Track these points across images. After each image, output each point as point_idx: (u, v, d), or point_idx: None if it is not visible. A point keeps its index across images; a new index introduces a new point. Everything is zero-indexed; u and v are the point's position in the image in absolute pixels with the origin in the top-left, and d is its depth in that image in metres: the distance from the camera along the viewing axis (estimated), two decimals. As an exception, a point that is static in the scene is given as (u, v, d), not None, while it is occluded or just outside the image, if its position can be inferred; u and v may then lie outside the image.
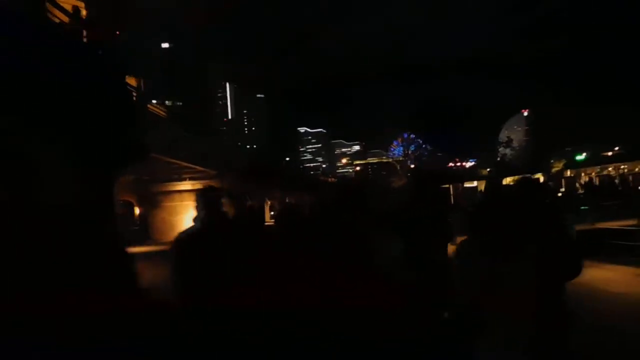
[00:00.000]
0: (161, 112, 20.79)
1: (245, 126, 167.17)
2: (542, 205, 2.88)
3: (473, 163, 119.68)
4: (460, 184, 60.68)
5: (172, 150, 18.17)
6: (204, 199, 3.21)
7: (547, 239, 2.48)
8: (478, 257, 2.44)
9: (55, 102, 4.63)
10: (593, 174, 66.36)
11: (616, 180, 54.22)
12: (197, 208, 3.21)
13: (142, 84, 21.04)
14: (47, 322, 2.67)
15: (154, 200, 23.11)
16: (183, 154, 18.57)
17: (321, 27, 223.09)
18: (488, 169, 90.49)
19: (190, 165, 20.88)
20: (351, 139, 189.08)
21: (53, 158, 4.59)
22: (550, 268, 2.40)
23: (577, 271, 2.54)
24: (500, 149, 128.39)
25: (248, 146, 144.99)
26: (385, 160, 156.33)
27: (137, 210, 25.59)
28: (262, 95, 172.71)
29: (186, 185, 23.58)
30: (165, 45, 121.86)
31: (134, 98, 8.07)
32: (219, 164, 22.72)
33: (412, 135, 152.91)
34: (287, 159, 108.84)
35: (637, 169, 64.42)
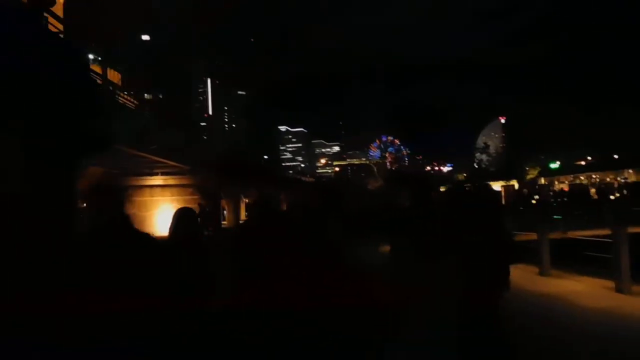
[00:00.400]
0: (132, 103, 20.27)
1: (226, 122, 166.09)
2: (474, 211, 2.94)
3: (450, 168, 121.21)
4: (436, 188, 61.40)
5: (144, 143, 17.68)
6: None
7: (475, 244, 2.55)
8: (408, 257, 2.53)
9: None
10: (566, 182, 67.85)
11: (590, 189, 55.51)
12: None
13: (120, 77, 20.60)
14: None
15: (123, 194, 22.65)
16: (155, 148, 18.06)
17: (305, 26, 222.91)
18: (464, 174, 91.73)
19: (163, 160, 20.38)
20: (331, 139, 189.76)
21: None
22: (476, 271, 2.45)
23: (503, 277, 2.62)
24: (477, 155, 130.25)
25: (230, 143, 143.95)
26: (364, 162, 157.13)
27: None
28: (244, 93, 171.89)
29: (157, 180, 23.09)
30: (145, 37, 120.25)
31: (96, 84, 7.69)
32: (192, 159, 22.24)
33: (391, 138, 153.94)
34: (265, 156, 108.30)
35: (607, 179, 66.00)
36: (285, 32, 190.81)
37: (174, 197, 23.12)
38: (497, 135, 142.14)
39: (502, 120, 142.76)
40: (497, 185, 57.37)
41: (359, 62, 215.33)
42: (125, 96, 17.89)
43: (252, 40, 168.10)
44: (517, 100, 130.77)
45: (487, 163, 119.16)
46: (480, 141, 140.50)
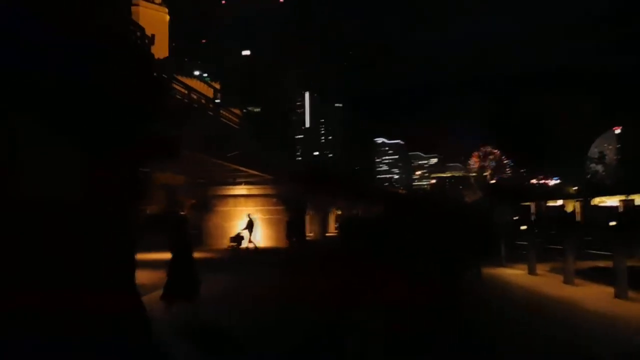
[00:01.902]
0: (228, 117, 21.09)
1: (322, 135, 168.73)
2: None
3: (557, 181, 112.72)
4: (543, 202, 57.17)
5: (231, 153, 18.26)
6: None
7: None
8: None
9: (57, 92, 4.52)
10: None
11: None
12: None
13: (217, 93, 21.60)
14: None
15: (208, 204, 23.52)
16: (238, 154, 18.56)
17: (402, 37, 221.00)
18: (574, 188, 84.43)
19: (245, 169, 20.93)
20: (429, 151, 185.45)
21: (59, 152, 4.58)
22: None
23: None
24: (592, 166, 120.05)
25: (330, 155, 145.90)
26: (462, 175, 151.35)
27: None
28: (341, 105, 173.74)
29: (241, 190, 23.79)
30: (245, 52, 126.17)
31: (160, 89, 7.92)
32: (278, 170, 22.58)
33: (490, 149, 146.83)
34: (357, 168, 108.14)
35: None
36: (383, 44, 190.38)
37: (257, 208, 23.70)
38: (611, 147, 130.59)
39: (617, 131, 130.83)
40: (614, 200, 51.95)
41: (460, 72, 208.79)
42: (220, 109, 18.74)
43: (350, 52, 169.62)
44: (634, 110, 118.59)
45: (603, 174, 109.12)
46: (593, 152, 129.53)
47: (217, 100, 20.23)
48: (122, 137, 5.13)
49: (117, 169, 5.18)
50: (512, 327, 6.92)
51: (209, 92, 21.74)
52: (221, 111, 18.50)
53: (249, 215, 21.60)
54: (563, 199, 60.57)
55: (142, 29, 7.55)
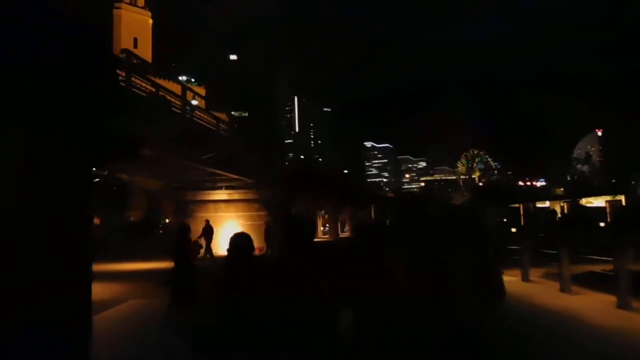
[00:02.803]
0: (210, 120, 20.12)
1: (311, 139, 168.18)
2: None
3: (543, 182, 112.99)
4: (531, 204, 56.96)
5: (206, 156, 17.34)
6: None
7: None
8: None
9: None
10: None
11: None
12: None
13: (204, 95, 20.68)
14: None
15: (186, 210, 22.44)
16: (213, 156, 17.57)
17: (391, 42, 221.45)
18: (561, 189, 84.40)
19: (223, 173, 19.91)
20: (418, 155, 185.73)
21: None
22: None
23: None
24: (578, 166, 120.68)
25: (319, 159, 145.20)
26: (450, 178, 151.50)
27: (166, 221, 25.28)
28: (329, 109, 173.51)
29: (222, 194, 22.81)
30: (233, 57, 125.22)
31: (114, 78, 7.17)
32: (260, 173, 21.53)
33: (479, 152, 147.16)
34: (346, 171, 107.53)
35: None
36: (373, 48, 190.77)
37: (239, 213, 22.71)
38: (593, 149, 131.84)
39: (599, 133, 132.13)
40: (600, 201, 51.78)
41: (447, 76, 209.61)
42: (195, 110, 17.75)
43: (340, 56, 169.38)
44: (615, 113, 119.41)
45: (588, 175, 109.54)
46: (577, 153, 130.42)
47: (194, 102, 19.26)
48: (67, 132, 4.27)
49: (63, 167, 4.34)
50: (507, 342, 6.14)
51: (189, 95, 20.76)
52: (196, 112, 17.53)
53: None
54: (550, 200, 60.47)
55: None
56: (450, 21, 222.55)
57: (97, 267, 11.73)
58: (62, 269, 3.81)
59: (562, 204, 54.17)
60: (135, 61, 20.80)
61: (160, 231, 29.68)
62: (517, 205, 55.49)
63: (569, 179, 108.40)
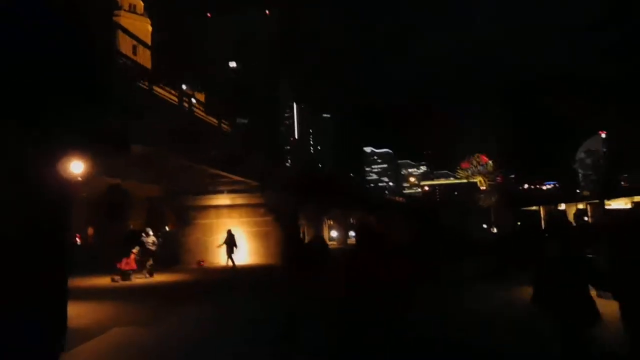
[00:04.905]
0: (211, 119, 18.55)
1: (311, 145, 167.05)
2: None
3: (551, 185, 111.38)
4: (553, 207, 55.03)
5: (207, 155, 15.69)
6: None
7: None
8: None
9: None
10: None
11: None
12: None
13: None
14: None
15: (186, 217, 20.81)
16: (215, 154, 15.92)
17: (390, 47, 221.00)
18: (586, 192, 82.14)
19: (228, 175, 18.27)
20: (418, 159, 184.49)
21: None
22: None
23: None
24: (582, 169, 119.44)
25: (319, 165, 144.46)
26: (457, 181, 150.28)
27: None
28: (329, 115, 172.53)
29: (224, 199, 21.16)
30: (232, 64, 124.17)
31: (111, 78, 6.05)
32: (264, 176, 19.90)
33: (481, 156, 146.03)
34: (351, 174, 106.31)
35: None
36: (373, 52, 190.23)
37: (242, 219, 21.05)
38: (597, 151, 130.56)
39: (603, 135, 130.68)
40: (620, 203, 50.02)
41: (448, 81, 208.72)
42: (194, 106, 16.12)
43: (338, 62, 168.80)
44: (619, 115, 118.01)
45: (594, 178, 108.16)
46: (582, 155, 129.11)
47: (193, 100, 17.65)
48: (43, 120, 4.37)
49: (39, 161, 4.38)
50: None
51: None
52: (196, 106, 15.87)
53: (228, 230, 19.19)
54: (571, 202, 57.84)
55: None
56: (451, 22, 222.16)
57: (83, 282, 9.82)
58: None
59: (580, 206, 52.25)
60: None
61: (149, 241, 28.61)
62: (534, 208, 53.81)
63: (581, 180, 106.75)
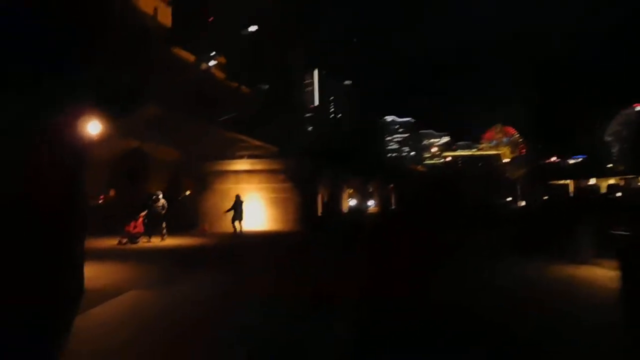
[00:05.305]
0: (230, 84, 18.17)
1: (332, 112, 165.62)
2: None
3: (579, 159, 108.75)
4: (583, 181, 53.35)
5: (225, 117, 15.38)
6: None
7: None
8: None
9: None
10: None
11: None
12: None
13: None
14: None
15: (205, 182, 20.71)
16: (231, 116, 15.63)
17: (415, 13, 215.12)
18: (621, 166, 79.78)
19: (247, 139, 17.95)
20: (440, 129, 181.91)
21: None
22: None
23: None
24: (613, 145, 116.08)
25: (340, 131, 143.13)
26: (480, 153, 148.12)
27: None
28: (350, 82, 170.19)
29: (243, 164, 20.95)
30: (252, 28, 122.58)
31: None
32: (283, 141, 19.56)
33: (506, 127, 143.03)
34: (372, 142, 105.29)
35: None
36: (395, 18, 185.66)
37: (261, 185, 20.90)
38: (630, 125, 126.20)
39: (638, 108, 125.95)
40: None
41: (475, 50, 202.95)
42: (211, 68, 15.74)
43: (361, 28, 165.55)
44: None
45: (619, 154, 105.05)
46: (614, 128, 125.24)
47: (212, 62, 17.23)
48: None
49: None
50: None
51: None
52: (213, 70, 15.44)
53: (237, 195, 19.28)
54: (602, 177, 55.66)
55: None
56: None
57: (101, 243, 9.83)
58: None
59: (612, 181, 50.55)
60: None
61: (159, 205, 28.70)
62: (563, 182, 52.21)
63: (614, 154, 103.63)
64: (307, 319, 6.03)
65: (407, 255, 4.04)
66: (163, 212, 16.42)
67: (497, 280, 9.15)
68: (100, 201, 29.54)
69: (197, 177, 21.32)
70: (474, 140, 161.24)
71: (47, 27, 4.03)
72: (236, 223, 19.24)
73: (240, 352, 5.03)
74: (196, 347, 5.23)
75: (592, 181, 50.28)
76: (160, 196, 16.69)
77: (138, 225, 15.72)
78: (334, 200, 26.01)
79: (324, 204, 18.97)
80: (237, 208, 19.06)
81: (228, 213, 19.26)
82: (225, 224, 19.78)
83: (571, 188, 49.47)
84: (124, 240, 15.39)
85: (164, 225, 16.35)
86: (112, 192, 31.51)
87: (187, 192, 32.29)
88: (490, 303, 7.08)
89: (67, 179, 5.68)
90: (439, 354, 4.32)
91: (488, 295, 7.59)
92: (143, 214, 15.93)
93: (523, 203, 57.65)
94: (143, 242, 15.93)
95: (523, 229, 15.32)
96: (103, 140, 12.31)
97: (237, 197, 19.14)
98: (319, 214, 21.82)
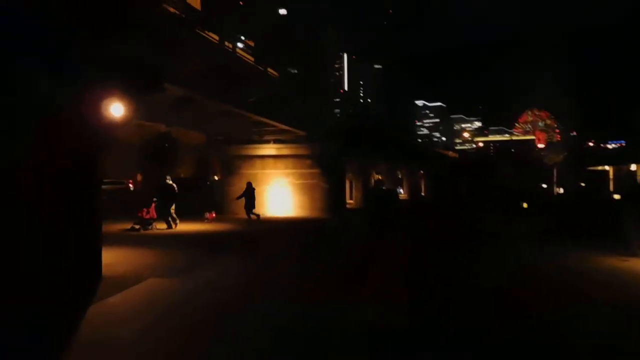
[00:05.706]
0: (257, 66, 17.75)
1: (361, 97, 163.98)
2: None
3: (617, 145, 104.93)
4: (625, 167, 50.97)
5: (252, 99, 14.95)
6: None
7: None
8: None
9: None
10: None
11: None
12: None
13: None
14: None
15: (232, 166, 20.34)
16: (255, 100, 15.17)
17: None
18: None
19: (273, 123, 17.54)
20: (472, 114, 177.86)
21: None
22: None
23: None
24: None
25: (369, 116, 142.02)
26: (513, 138, 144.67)
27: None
28: (380, 67, 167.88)
29: (270, 149, 20.61)
30: (282, 11, 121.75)
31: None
32: (311, 125, 19.10)
33: (540, 112, 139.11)
34: (401, 127, 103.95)
35: None
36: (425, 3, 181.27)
37: (288, 170, 20.52)
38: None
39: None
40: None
41: (508, 33, 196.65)
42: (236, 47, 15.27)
43: (390, 12, 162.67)
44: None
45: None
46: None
47: (239, 44, 16.83)
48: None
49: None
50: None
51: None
52: (240, 52, 15.03)
53: (248, 183, 18.57)
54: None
55: None
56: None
57: (123, 226, 9.47)
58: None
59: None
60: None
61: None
62: (602, 168, 50.26)
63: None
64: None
65: (450, 245, 4.21)
66: (169, 197, 15.77)
67: (543, 270, 8.92)
68: (130, 186, 29.77)
69: (223, 161, 21.09)
70: (507, 125, 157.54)
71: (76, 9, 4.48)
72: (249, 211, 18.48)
73: (261, 341, 4.82)
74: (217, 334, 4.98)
75: (633, 167, 48.00)
76: (170, 180, 16.08)
77: (151, 210, 15.35)
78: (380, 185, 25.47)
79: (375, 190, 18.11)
80: (248, 195, 18.33)
81: (239, 200, 18.45)
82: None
83: (611, 174, 47.62)
84: (137, 227, 15.01)
85: (172, 210, 15.76)
86: (139, 177, 31.79)
87: (216, 177, 32.35)
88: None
89: (83, 166, 5.43)
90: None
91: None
92: (155, 199, 15.49)
93: (561, 190, 55.63)
94: (157, 228, 15.49)
95: (564, 218, 14.60)
96: (130, 125, 12.16)
97: (249, 184, 18.36)
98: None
